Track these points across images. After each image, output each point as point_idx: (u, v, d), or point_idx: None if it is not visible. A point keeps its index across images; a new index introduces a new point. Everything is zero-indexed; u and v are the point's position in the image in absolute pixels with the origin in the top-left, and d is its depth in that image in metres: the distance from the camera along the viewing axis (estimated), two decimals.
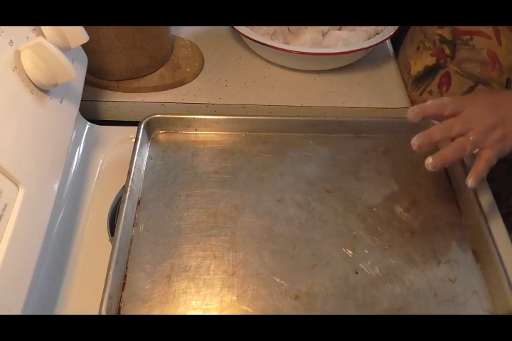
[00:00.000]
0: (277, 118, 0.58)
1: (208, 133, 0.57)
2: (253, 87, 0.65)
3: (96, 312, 0.41)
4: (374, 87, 0.66)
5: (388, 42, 0.74)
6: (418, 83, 0.59)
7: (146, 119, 0.55)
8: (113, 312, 0.42)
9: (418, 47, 0.60)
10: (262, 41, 0.63)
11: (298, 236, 0.48)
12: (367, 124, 0.57)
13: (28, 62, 0.39)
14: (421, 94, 0.58)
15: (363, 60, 0.70)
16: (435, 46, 0.56)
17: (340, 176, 0.53)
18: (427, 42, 0.58)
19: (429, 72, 0.56)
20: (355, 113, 0.63)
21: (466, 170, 0.52)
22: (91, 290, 0.43)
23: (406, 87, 0.65)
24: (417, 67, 0.57)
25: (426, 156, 0.53)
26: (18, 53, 0.39)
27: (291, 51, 0.62)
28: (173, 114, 0.57)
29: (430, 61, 0.55)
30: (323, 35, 0.68)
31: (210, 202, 0.50)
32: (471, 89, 0.54)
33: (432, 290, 0.44)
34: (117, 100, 0.63)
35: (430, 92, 0.58)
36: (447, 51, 0.53)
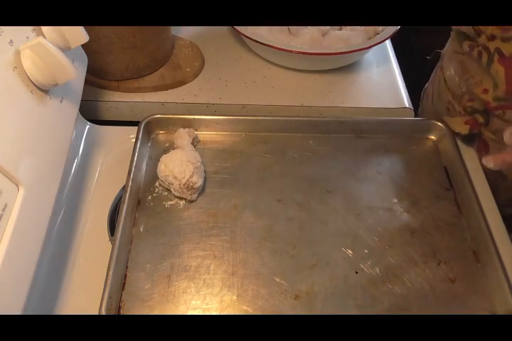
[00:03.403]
0: (277, 118, 0.58)
1: (208, 133, 0.57)
2: (253, 87, 0.65)
3: (96, 312, 0.41)
4: (374, 87, 0.66)
5: (388, 42, 0.74)
6: None
7: (146, 119, 0.55)
8: (113, 312, 0.42)
9: (448, 109, 0.59)
10: (262, 41, 0.63)
11: (298, 236, 0.48)
12: (367, 124, 0.57)
13: (28, 62, 0.39)
14: None
15: (363, 60, 0.70)
16: (466, 112, 0.55)
17: (340, 176, 0.53)
18: (457, 105, 0.57)
19: (466, 138, 0.56)
20: (355, 113, 0.63)
21: (466, 170, 0.52)
22: (91, 290, 0.43)
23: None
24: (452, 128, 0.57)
25: (425, 156, 0.53)
26: (18, 53, 0.39)
27: (291, 51, 0.62)
28: (173, 114, 0.57)
29: (464, 129, 0.54)
30: (323, 35, 0.68)
31: (210, 202, 0.50)
32: None
33: (432, 290, 0.44)
34: (117, 100, 0.63)
35: None
36: (480, 120, 0.53)
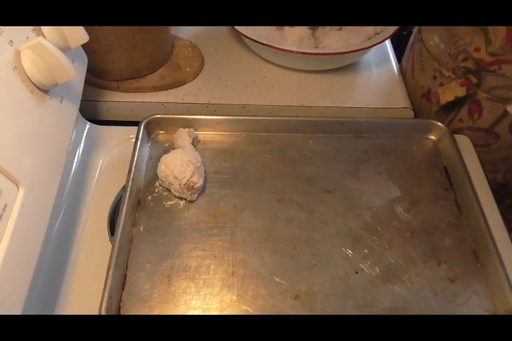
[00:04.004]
0: (277, 118, 0.58)
1: (208, 133, 0.57)
2: (253, 87, 0.65)
3: (96, 312, 0.41)
4: (374, 87, 0.66)
5: (388, 42, 0.74)
6: (444, 112, 0.59)
7: (146, 119, 0.55)
8: (113, 312, 0.42)
9: (435, 77, 0.59)
10: (262, 41, 0.63)
11: (298, 236, 0.48)
12: (367, 124, 0.57)
13: (28, 62, 0.39)
14: (450, 123, 0.59)
15: (362, 60, 0.70)
16: (456, 75, 0.55)
17: (340, 176, 0.53)
18: (445, 70, 0.57)
19: (458, 102, 0.56)
20: (355, 113, 0.63)
21: (466, 170, 0.52)
22: (91, 290, 0.43)
23: (414, 110, 0.64)
24: (446, 96, 0.57)
25: (425, 156, 0.53)
26: (18, 53, 0.39)
27: (291, 51, 0.62)
28: (173, 114, 0.57)
29: (461, 92, 0.55)
30: (316, 34, 0.68)
31: (210, 202, 0.50)
32: (506, 112, 0.54)
33: (432, 290, 0.44)
34: (117, 100, 0.63)
35: (461, 121, 0.58)
36: (474, 80, 0.53)
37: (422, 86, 0.63)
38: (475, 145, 0.57)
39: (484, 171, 0.54)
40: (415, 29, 0.66)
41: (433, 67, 0.59)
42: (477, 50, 0.52)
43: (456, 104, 0.56)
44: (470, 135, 0.57)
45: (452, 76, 0.56)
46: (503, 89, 0.52)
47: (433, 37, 0.59)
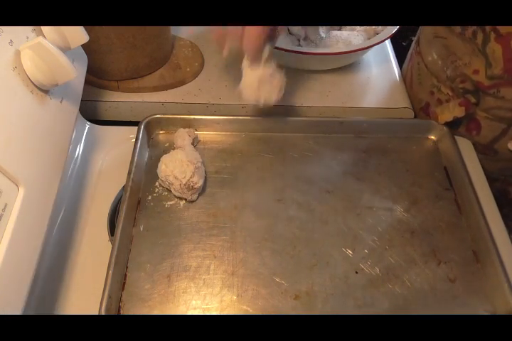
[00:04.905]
0: (277, 118, 0.58)
1: (208, 133, 0.57)
2: None
3: (96, 312, 0.41)
4: (374, 87, 0.66)
5: (388, 42, 0.74)
6: None
7: (146, 119, 0.55)
8: (113, 312, 0.42)
9: (432, 92, 0.59)
10: None
11: (298, 236, 0.48)
12: (367, 124, 0.57)
13: (28, 62, 0.39)
14: None
15: (363, 60, 0.70)
16: (454, 93, 0.55)
17: (340, 176, 0.53)
18: (443, 87, 0.57)
19: (456, 121, 0.56)
20: (355, 113, 0.63)
21: (466, 170, 0.52)
22: (91, 290, 0.43)
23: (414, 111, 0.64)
24: (444, 117, 0.57)
25: (425, 156, 0.54)
26: (18, 53, 0.38)
27: (291, 51, 0.62)
28: (173, 114, 0.57)
29: (460, 112, 0.54)
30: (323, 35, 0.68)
31: (210, 202, 0.50)
32: (504, 132, 0.54)
33: (432, 290, 0.44)
34: (117, 100, 0.63)
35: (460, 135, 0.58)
36: (473, 100, 0.53)
37: (420, 99, 0.62)
38: None
39: None
40: (414, 40, 0.65)
41: (431, 82, 0.59)
42: (476, 72, 0.52)
43: (455, 123, 0.56)
44: None
45: (450, 94, 0.56)
46: (502, 109, 0.52)
47: (431, 52, 0.58)
